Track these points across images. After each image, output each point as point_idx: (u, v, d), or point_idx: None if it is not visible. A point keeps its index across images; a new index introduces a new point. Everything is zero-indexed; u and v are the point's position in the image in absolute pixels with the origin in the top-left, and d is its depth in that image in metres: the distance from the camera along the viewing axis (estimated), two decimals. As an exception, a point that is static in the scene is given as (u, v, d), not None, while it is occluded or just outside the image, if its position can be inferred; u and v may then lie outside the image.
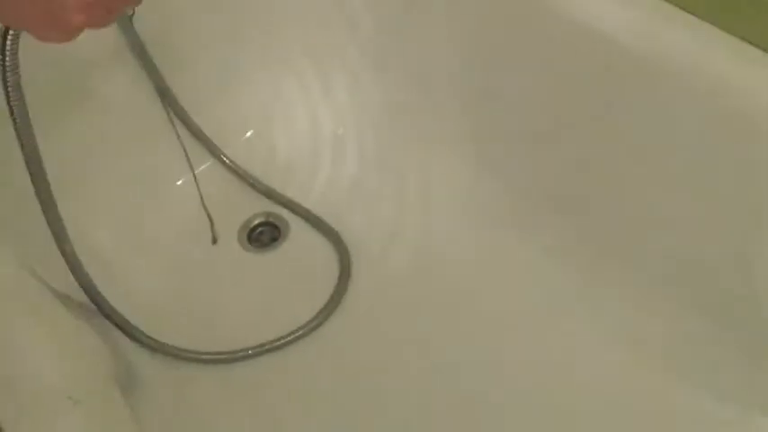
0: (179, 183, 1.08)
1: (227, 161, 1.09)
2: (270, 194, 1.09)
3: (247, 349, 0.94)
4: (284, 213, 1.09)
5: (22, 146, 0.66)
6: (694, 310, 0.86)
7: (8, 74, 0.60)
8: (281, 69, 1.12)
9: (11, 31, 0.58)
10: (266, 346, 0.95)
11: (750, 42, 0.75)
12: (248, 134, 1.13)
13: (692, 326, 0.87)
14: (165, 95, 1.03)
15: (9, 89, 0.61)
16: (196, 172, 1.07)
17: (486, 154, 1.05)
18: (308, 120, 1.14)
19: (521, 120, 0.98)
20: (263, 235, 1.08)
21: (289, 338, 0.96)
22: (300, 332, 0.97)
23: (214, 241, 1.06)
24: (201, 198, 1.07)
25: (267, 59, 1.11)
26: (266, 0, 1.08)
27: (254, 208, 1.09)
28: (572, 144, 0.94)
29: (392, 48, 1.08)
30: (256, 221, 1.09)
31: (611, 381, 0.90)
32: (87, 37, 0.50)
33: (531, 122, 0.97)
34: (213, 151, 1.09)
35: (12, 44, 0.58)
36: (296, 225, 1.08)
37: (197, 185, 1.07)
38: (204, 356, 0.93)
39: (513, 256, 1.01)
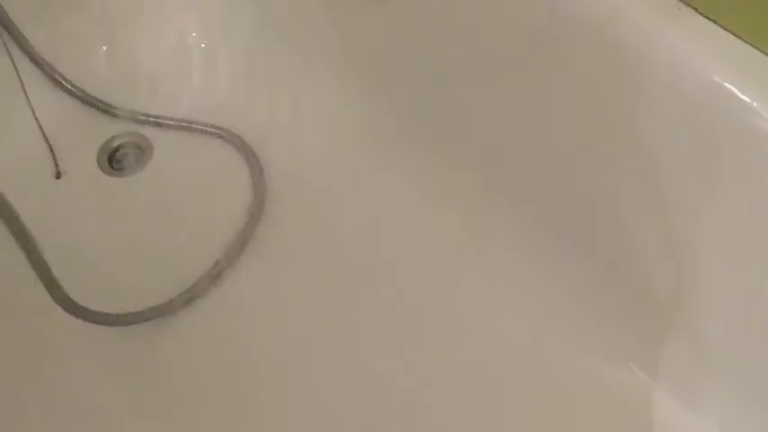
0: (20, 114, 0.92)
1: (69, 85, 0.94)
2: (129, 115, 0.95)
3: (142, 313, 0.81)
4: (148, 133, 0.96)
5: None
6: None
7: None
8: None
9: None
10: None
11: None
12: (103, 49, 0.98)
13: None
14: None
15: None
16: (37, 99, 0.92)
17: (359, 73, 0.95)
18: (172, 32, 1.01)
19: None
20: (127, 158, 0.94)
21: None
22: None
23: (58, 176, 0.91)
24: (40, 126, 0.91)
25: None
26: None
27: (111, 131, 0.95)
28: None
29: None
30: (116, 144, 0.94)
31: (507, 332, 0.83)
32: None
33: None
34: (51, 74, 0.93)
35: None
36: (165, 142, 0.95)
37: (33, 114, 0.91)
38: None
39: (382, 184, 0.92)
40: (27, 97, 0.91)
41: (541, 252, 0.84)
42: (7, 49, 0.89)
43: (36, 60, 0.92)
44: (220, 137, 0.95)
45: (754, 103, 0.61)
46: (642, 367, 0.79)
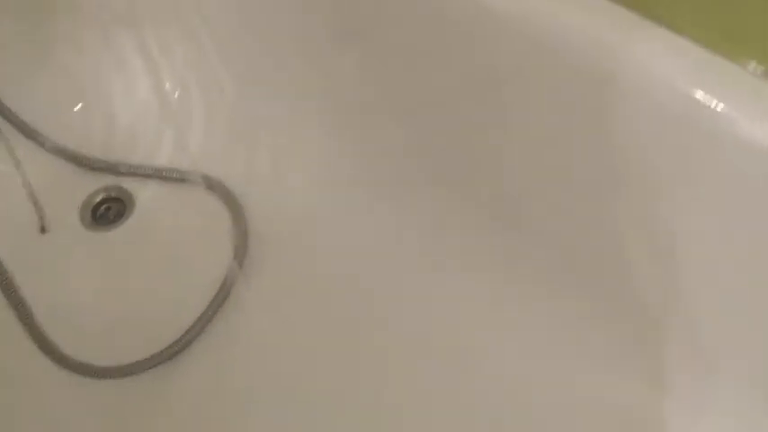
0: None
1: (49, 144, 0.95)
2: (109, 168, 0.96)
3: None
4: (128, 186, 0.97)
5: None
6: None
7: None
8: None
9: None
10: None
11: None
12: (79, 106, 1.00)
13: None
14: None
15: None
16: (20, 158, 0.93)
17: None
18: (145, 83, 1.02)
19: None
20: (110, 211, 0.95)
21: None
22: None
23: (43, 230, 0.92)
24: (25, 185, 0.93)
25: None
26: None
27: (93, 186, 0.96)
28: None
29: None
30: (98, 199, 0.96)
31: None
32: None
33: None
34: (31, 135, 0.94)
35: None
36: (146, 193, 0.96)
37: (19, 172, 0.93)
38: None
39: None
40: (12, 157, 0.93)
41: (537, 284, 0.83)
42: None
43: (15, 122, 0.93)
44: (201, 184, 0.96)
45: (726, 111, 0.61)
46: (648, 382, 0.78)
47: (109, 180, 0.97)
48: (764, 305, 0.69)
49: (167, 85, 1.00)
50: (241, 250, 0.91)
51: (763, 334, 0.70)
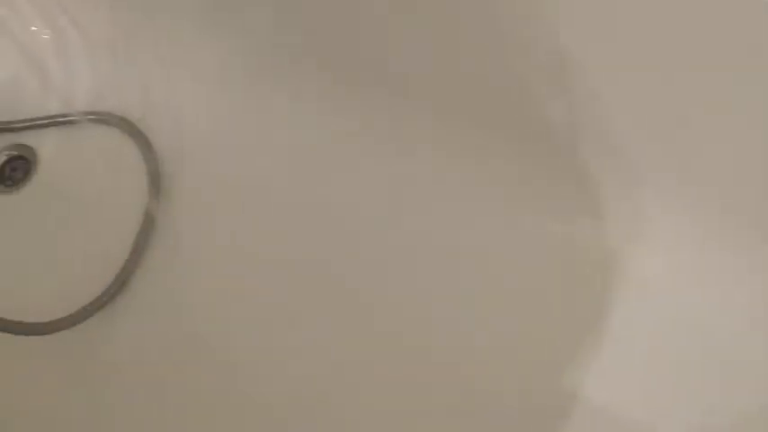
0: None
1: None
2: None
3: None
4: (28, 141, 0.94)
5: None
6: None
7: None
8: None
9: None
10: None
11: None
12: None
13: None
14: None
15: None
16: None
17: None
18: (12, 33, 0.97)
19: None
20: (16, 171, 0.93)
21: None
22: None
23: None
24: None
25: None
26: None
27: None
28: None
29: None
30: (1, 161, 0.93)
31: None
32: None
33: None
34: None
35: None
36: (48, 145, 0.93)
37: None
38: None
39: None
40: None
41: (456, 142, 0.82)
42: None
43: None
44: (97, 121, 0.93)
45: None
46: (586, 214, 0.78)
47: (6, 140, 0.94)
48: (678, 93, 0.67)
49: (33, 29, 0.95)
50: (155, 181, 0.89)
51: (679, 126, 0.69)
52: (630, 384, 0.73)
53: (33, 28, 0.95)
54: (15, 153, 0.93)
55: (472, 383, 0.75)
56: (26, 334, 0.80)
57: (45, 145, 0.94)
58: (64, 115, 0.94)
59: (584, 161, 0.77)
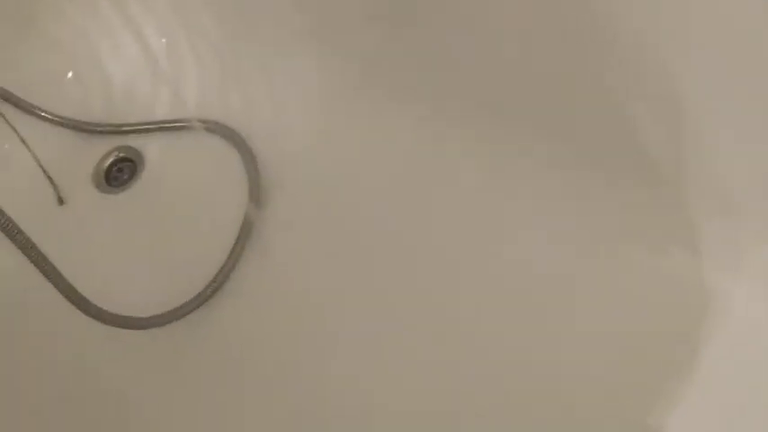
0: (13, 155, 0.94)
1: (51, 116, 0.95)
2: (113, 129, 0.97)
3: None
4: (135, 144, 0.97)
5: None
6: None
7: None
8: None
9: None
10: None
11: None
12: (69, 75, 0.99)
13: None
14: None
15: None
16: (26, 137, 0.93)
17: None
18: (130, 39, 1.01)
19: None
20: (123, 173, 0.96)
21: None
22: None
23: (60, 202, 0.93)
24: (36, 159, 0.93)
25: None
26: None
27: (100, 150, 0.97)
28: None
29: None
30: (108, 162, 0.96)
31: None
32: None
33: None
34: (31, 110, 0.95)
35: None
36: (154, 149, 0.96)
37: (28, 149, 0.93)
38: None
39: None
40: (16, 134, 0.93)
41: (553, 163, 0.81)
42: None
43: (10, 99, 0.93)
44: (204, 129, 0.96)
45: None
46: (682, 247, 0.75)
47: (115, 142, 0.97)
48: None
49: (153, 38, 0.99)
50: (255, 189, 0.91)
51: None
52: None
53: (153, 37, 0.99)
54: (123, 155, 0.97)
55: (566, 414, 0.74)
56: (124, 327, 0.81)
57: (151, 150, 0.97)
58: (172, 121, 0.96)
59: (684, 195, 0.76)
